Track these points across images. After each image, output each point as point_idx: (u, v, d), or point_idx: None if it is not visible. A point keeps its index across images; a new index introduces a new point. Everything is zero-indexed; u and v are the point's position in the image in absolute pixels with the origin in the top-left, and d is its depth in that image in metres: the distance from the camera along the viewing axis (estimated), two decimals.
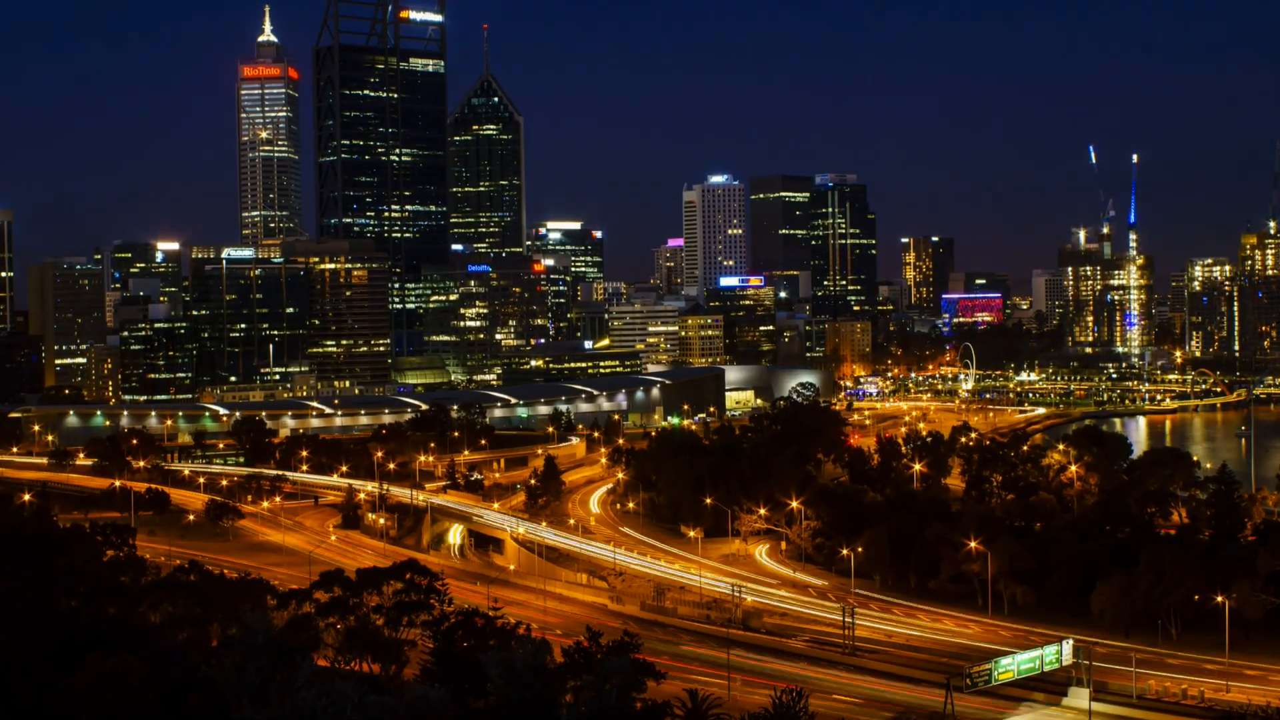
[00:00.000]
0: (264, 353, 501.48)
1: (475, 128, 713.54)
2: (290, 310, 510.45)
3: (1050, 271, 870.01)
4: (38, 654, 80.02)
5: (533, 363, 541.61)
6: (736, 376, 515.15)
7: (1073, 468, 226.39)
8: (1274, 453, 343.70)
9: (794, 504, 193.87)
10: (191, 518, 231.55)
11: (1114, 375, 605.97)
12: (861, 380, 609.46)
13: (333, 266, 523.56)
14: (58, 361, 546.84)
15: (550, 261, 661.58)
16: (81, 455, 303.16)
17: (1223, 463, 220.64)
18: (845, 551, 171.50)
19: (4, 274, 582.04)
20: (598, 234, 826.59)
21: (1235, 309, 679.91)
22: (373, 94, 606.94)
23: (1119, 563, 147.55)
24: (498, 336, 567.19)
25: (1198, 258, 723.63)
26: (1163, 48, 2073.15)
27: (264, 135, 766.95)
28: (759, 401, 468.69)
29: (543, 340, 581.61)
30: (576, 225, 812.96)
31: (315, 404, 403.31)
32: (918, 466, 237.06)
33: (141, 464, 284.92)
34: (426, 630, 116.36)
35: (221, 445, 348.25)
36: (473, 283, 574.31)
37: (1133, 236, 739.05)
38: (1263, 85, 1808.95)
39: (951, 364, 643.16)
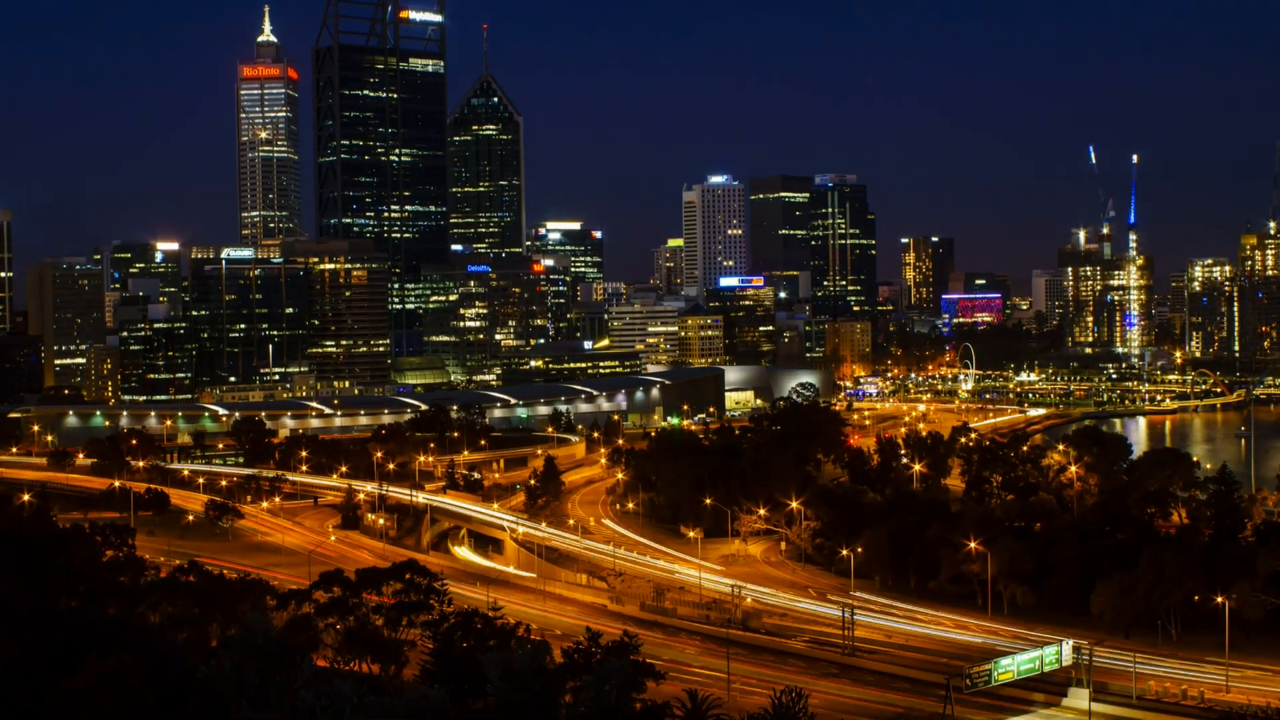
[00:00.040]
0: (263, 353, 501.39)
1: (475, 128, 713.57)
2: (290, 310, 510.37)
3: (1050, 272, 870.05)
4: (36, 654, 79.89)
5: (532, 363, 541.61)
6: (736, 377, 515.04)
7: (1072, 468, 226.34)
8: (1274, 453, 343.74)
9: (794, 504, 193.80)
10: (191, 518, 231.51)
11: (1114, 376, 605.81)
12: (861, 380, 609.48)
13: (332, 267, 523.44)
14: (57, 361, 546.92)
15: (550, 262, 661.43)
16: (81, 455, 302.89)
17: (1223, 463, 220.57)
18: (845, 552, 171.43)
19: (3, 274, 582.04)
20: (597, 234, 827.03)
21: (1235, 309, 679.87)
22: (372, 94, 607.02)
23: (1119, 563, 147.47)
24: (497, 337, 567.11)
25: (1198, 258, 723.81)
26: (1163, 48, 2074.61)
27: (264, 135, 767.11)
28: (759, 402, 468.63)
29: (542, 340, 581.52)
30: (576, 225, 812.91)
31: (315, 404, 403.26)
32: (917, 467, 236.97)
33: (141, 464, 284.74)
34: (426, 631, 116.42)
35: (221, 445, 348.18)
36: (472, 283, 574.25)
37: (1133, 237, 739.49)
38: (1263, 85, 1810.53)
39: (951, 364, 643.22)
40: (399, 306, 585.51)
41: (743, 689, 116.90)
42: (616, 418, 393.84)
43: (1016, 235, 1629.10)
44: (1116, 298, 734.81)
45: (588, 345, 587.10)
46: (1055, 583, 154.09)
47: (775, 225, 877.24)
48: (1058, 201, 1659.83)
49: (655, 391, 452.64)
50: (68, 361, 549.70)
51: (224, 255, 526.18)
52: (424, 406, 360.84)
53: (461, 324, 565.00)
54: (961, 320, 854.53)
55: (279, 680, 70.36)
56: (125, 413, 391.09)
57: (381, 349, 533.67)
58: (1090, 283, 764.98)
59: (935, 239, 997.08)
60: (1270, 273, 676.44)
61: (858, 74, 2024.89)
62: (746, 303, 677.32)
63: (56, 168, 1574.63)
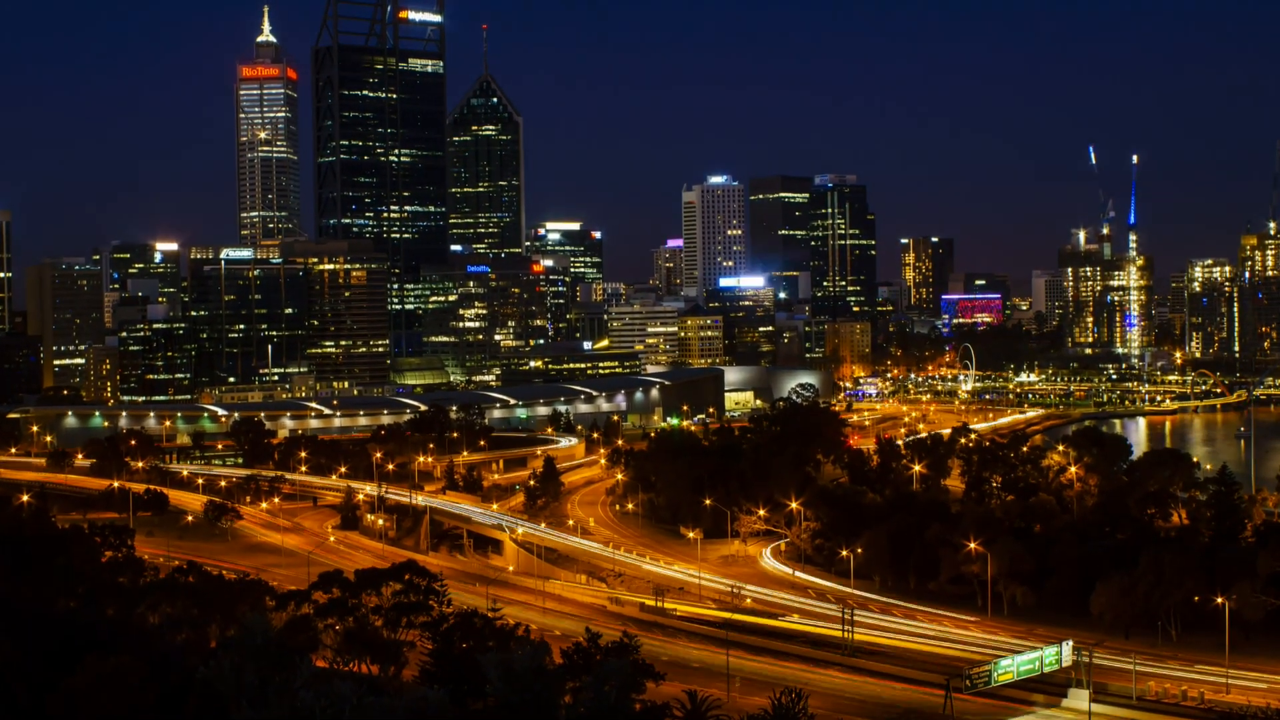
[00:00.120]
0: (263, 353, 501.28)
1: (474, 128, 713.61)
2: (289, 311, 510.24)
3: (1050, 272, 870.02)
4: (36, 655, 79.78)
5: (532, 363, 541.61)
6: (736, 377, 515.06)
7: (1072, 469, 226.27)
8: (1274, 454, 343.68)
9: (793, 505, 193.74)
10: (190, 518, 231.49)
11: (1114, 376, 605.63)
12: (861, 381, 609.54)
13: (331, 267, 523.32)
14: (56, 362, 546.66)
15: (549, 262, 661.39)
16: (80, 456, 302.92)
17: (1223, 464, 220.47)
18: (845, 552, 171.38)
19: (3, 274, 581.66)
20: (597, 234, 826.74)
21: (1235, 310, 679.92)
22: (372, 94, 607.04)
23: (1119, 564, 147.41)
24: (497, 337, 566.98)
25: (1198, 258, 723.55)
26: (1163, 48, 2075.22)
27: (263, 136, 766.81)
28: (758, 402, 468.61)
29: (542, 341, 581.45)
30: (575, 226, 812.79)
31: (314, 405, 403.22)
32: (917, 467, 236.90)
33: (140, 465, 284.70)
34: (425, 631, 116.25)
35: (220, 446, 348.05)
36: (472, 283, 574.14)
37: (1132, 237, 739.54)
38: (1263, 85, 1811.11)
39: (951, 365, 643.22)
40: (398, 307, 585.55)
41: (742, 690, 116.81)
42: (616, 418, 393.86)
43: (1016, 235, 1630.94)
44: (1116, 298, 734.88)
45: (587, 346, 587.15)
46: (1055, 583, 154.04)
47: (775, 225, 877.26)
48: (1058, 201, 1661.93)
49: (655, 392, 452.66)
50: (67, 362, 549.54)
51: (223, 255, 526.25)
52: (423, 407, 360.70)
53: (461, 324, 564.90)
54: (961, 321, 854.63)
55: (278, 681, 70.23)
56: (124, 413, 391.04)
57: (381, 349, 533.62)
58: (1090, 283, 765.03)
59: (935, 239, 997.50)
60: (1270, 273, 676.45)
61: (858, 74, 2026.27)
62: (746, 303, 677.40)
63: (56, 168, 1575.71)
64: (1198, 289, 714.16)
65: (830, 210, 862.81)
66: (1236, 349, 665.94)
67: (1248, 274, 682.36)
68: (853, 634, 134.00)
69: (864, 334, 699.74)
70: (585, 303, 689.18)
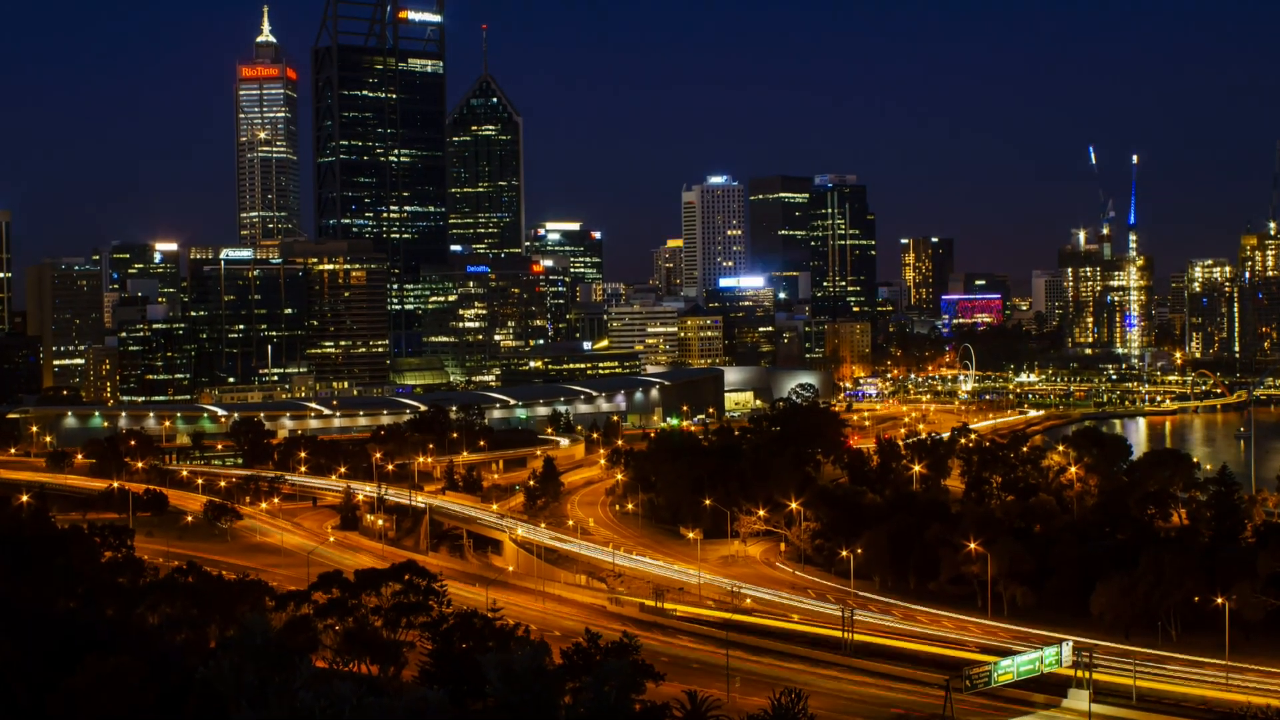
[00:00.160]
0: (262, 353, 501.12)
1: (474, 128, 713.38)
2: (288, 311, 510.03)
3: (1050, 272, 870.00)
4: (35, 655, 79.78)
5: (531, 364, 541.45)
6: (736, 377, 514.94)
7: (1072, 469, 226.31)
8: (1274, 454, 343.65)
9: (793, 505, 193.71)
10: (190, 519, 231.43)
11: (1114, 376, 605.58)
12: (861, 381, 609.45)
13: (331, 267, 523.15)
14: (56, 362, 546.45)
15: (549, 262, 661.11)
16: (79, 456, 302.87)
17: (1223, 464, 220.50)
18: (845, 553, 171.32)
19: (2, 274, 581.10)
20: (597, 235, 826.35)
21: (1235, 310, 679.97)
22: (371, 94, 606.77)
23: (1119, 564, 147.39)
24: (496, 337, 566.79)
25: (1198, 258, 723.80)
26: (1163, 48, 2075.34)
27: (262, 136, 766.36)
28: (758, 402, 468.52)
29: (541, 341, 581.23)
30: (575, 226, 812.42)
31: (314, 405, 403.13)
32: (917, 468, 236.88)
33: (139, 465, 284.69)
34: (425, 632, 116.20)
35: (220, 446, 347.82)
36: (471, 283, 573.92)
37: (1133, 237, 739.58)
38: (1263, 85, 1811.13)
39: (951, 365, 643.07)
40: (398, 307, 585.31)
41: (742, 691, 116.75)
42: (616, 418, 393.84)
43: (1016, 235, 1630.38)
44: (1116, 298, 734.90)
45: (587, 346, 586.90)
46: (1055, 583, 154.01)
47: (775, 225, 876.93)
48: (1058, 201, 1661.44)
49: (654, 392, 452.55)
50: (66, 362, 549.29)
51: (223, 256, 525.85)
52: (423, 407, 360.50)
53: (460, 325, 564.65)
54: (961, 321, 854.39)
55: (278, 681, 70.24)
56: (124, 413, 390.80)
57: (380, 350, 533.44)
58: (1090, 283, 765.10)
59: (935, 239, 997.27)
60: (1270, 273, 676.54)
61: (858, 74, 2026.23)
62: (746, 303, 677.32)
63: (56, 168, 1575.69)
64: (1198, 289, 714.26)
65: (830, 210, 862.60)
66: (1236, 349, 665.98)
67: (1248, 274, 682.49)
68: (853, 634, 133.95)
69: (864, 334, 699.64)
70: (585, 303, 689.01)
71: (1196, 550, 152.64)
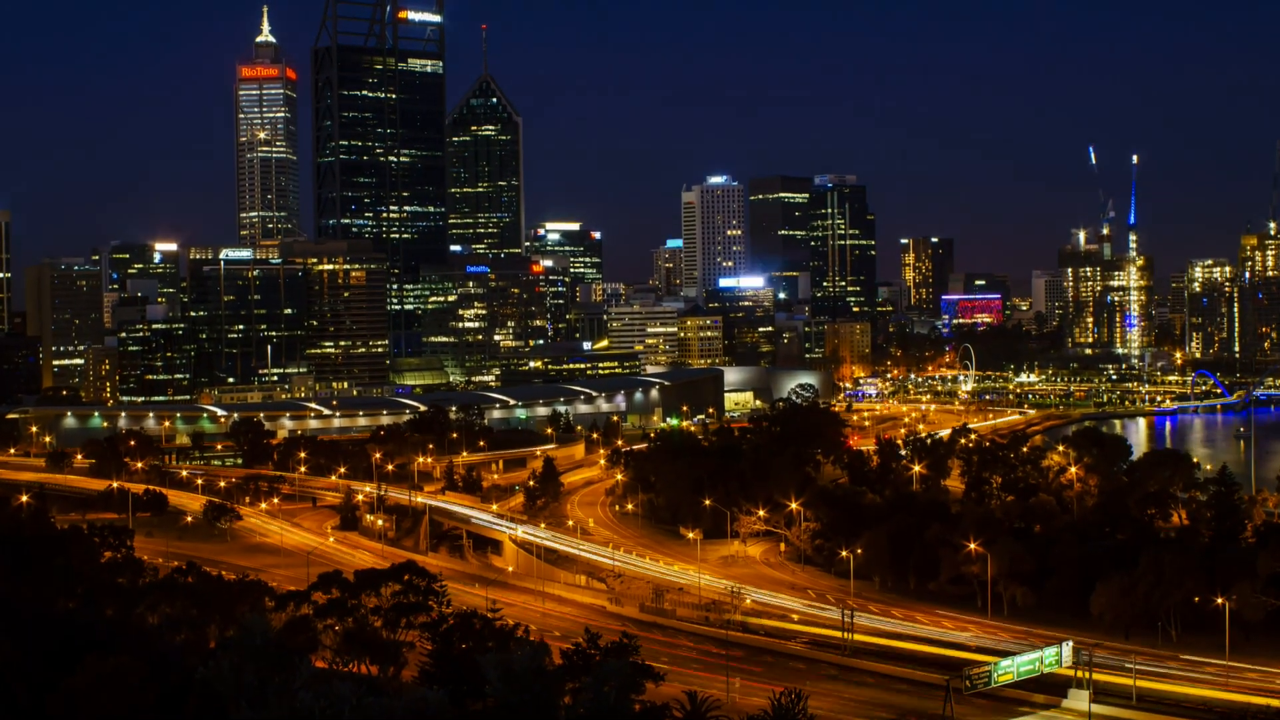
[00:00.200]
0: (262, 354, 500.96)
1: (474, 128, 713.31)
2: (288, 311, 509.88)
3: (1050, 272, 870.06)
4: (35, 655, 79.72)
5: (531, 364, 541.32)
6: (735, 378, 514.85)
7: (1072, 469, 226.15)
8: (1274, 454, 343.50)
9: (793, 505, 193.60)
10: (189, 519, 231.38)
11: (1114, 376, 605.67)
12: (861, 381, 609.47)
13: (331, 267, 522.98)
14: (55, 362, 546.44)
15: (549, 262, 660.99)
16: (79, 456, 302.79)
17: (1223, 464, 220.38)
18: (844, 553, 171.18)
19: (2, 274, 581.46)
20: (596, 235, 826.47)
21: (1235, 310, 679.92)
22: (371, 94, 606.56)
23: (1119, 564, 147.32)
24: (496, 337, 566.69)
25: (1198, 258, 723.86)
26: (1162, 48, 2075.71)
27: (262, 136, 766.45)
28: (758, 403, 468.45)
29: (541, 341, 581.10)
30: (575, 226, 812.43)
31: (313, 405, 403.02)
32: (917, 468, 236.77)
33: (139, 465, 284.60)
34: (425, 632, 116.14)
35: (219, 446, 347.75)
36: (471, 284, 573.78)
37: (1132, 237, 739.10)
38: (1263, 85, 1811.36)
39: (951, 365, 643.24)
40: (397, 307, 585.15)
41: (742, 691, 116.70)
42: (616, 419, 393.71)
43: (1016, 235, 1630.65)
44: (1116, 298, 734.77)
45: (587, 346, 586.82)
46: (1055, 584, 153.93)
47: (775, 226, 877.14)
48: (1058, 201, 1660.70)
49: (654, 392, 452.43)
50: (66, 362, 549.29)
51: (222, 256, 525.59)
52: (423, 407, 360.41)
53: (460, 325, 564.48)
54: (961, 321, 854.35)
55: (278, 681, 70.17)
56: (123, 413, 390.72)
57: (380, 350, 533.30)
58: (1090, 283, 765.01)
59: (935, 239, 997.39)
60: (1270, 273, 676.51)
61: (858, 74, 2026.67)
62: (746, 304, 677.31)
63: (56, 168, 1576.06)
64: (1198, 289, 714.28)
65: (830, 210, 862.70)
66: (1236, 349, 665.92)
67: (1248, 274, 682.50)
68: (852, 635, 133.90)
69: (864, 334, 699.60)
70: (585, 303, 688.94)
71: (1196, 550, 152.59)
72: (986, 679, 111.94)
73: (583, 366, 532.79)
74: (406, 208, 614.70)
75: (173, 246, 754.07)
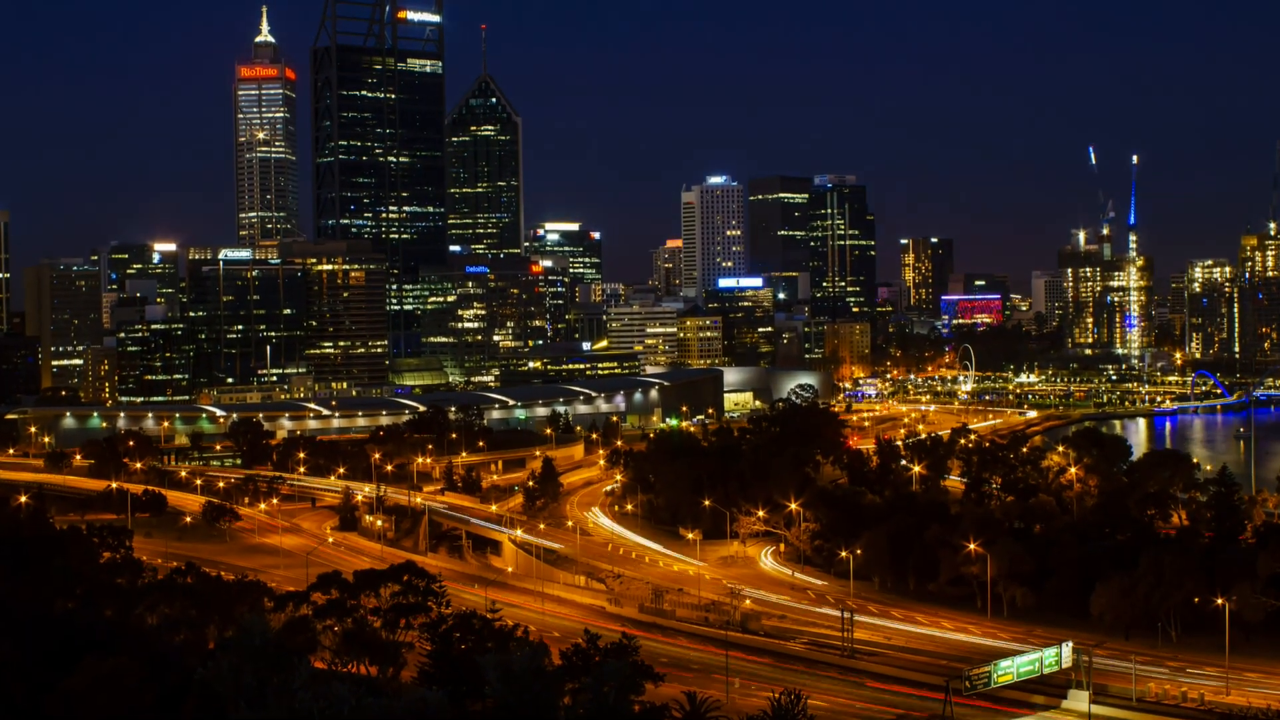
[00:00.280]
0: (261, 354, 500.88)
1: (473, 128, 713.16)
2: (287, 311, 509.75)
3: (1050, 273, 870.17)
4: (34, 656, 79.60)
5: (531, 364, 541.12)
6: (735, 378, 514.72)
7: (1072, 470, 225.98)
8: (1274, 454, 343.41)
9: (793, 506, 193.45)
10: (188, 519, 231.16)
11: (1114, 377, 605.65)
12: (860, 382, 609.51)
13: (330, 268, 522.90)
14: (54, 363, 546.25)
15: (548, 263, 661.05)
16: (78, 457, 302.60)
17: (1223, 465, 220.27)
18: (844, 554, 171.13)
19: (1, 274, 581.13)
20: (596, 235, 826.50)
21: (1235, 310, 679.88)
22: (370, 95, 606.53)
23: (1119, 565, 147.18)
24: (495, 338, 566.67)
25: (1198, 259, 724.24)
26: (1163, 48, 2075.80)
27: (261, 136, 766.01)
28: (758, 403, 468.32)
29: (541, 342, 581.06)
30: (574, 226, 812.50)
31: (312, 405, 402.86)
32: (917, 468, 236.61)
33: (138, 465, 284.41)
34: (424, 632, 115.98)
35: (219, 447, 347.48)
36: (470, 284, 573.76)
37: (1132, 237, 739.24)
38: (1263, 85, 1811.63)
39: (951, 365, 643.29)
40: (397, 307, 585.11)
41: (742, 692, 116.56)
42: (615, 419, 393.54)
43: (1016, 235, 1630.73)
44: (1116, 299, 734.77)
45: (586, 346, 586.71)
46: (1055, 584, 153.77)
47: (774, 226, 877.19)
48: (1058, 201, 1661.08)
49: (654, 393, 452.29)
50: (65, 362, 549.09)
51: (221, 256, 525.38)
52: (422, 408, 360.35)
53: (459, 325, 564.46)
54: (961, 321, 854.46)
55: (277, 682, 69.98)
56: (122, 414, 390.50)
57: (379, 350, 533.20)
58: (1090, 283, 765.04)
59: (934, 240, 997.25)
60: (1270, 273, 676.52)
61: (858, 74, 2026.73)
62: (745, 304, 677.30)
63: (55, 168, 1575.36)
64: (1198, 289, 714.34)
65: (829, 211, 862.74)
66: (1236, 349, 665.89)
67: (1248, 274, 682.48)
68: (852, 635, 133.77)
69: (863, 335, 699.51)
70: (584, 303, 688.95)
71: (1196, 551, 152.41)
72: (986, 680, 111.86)
73: (582, 367, 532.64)
74: (406, 208, 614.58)
75: (172, 247, 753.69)
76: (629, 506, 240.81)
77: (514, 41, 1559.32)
